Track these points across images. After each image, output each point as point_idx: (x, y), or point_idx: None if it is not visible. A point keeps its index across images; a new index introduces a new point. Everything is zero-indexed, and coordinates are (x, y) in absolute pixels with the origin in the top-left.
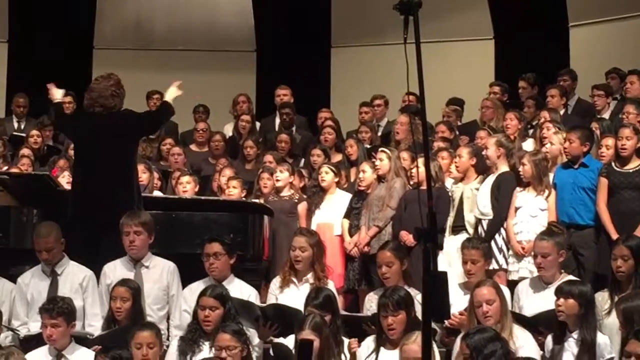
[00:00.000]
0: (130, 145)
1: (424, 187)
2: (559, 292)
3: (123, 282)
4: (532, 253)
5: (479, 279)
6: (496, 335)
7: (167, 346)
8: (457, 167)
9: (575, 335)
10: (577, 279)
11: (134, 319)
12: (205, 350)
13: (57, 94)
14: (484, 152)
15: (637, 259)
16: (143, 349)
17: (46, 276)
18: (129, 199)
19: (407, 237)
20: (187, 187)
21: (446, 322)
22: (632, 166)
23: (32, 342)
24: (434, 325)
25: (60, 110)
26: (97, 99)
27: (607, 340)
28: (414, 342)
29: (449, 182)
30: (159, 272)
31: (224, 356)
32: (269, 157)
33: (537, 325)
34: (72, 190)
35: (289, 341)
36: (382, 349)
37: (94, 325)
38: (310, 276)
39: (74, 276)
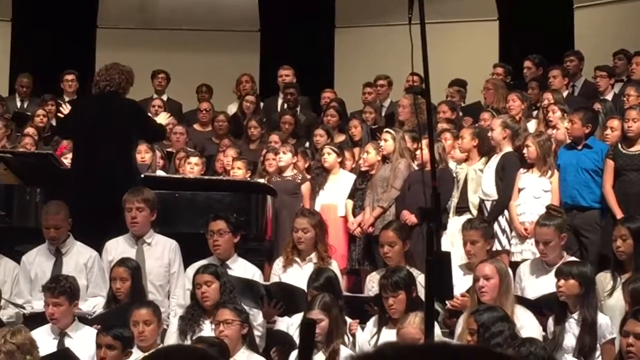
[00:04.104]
0: (131, 132)
1: (428, 167)
2: (559, 274)
3: (121, 262)
4: (534, 238)
5: (479, 260)
6: (505, 316)
7: (167, 325)
8: (459, 148)
9: (576, 315)
10: (578, 259)
11: (135, 298)
12: (206, 328)
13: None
14: (489, 134)
15: (635, 238)
16: (139, 326)
17: (51, 255)
18: (131, 181)
19: (409, 217)
20: (194, 168)
21: (448, 304)
22: (638, 148)
23: (36, 319)
24: (436, 306)
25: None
26: (106, 78)
27: (608, 321)
28: (410, 325)
29: (453, 164)
30: (160, 250)
31: (222, 329)
32: (274, 137)
33: (541, 307)
34: (73, 176)
35: (295, 320)
36: (383, 328)
37: (95, 305)
38: (313, 256)
39: (78, 256)
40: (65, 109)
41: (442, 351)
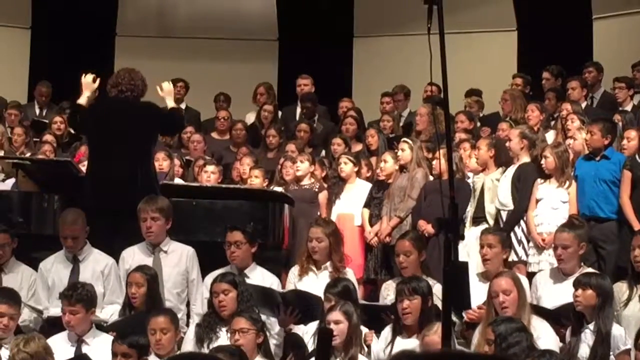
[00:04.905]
0: (149, 135)
1: (444, 177)
2: (577, 284)
3: (139, 268)
4: (553, 245)
5: (495, 266)
6: (523, 327)
7: (185, 333)
8: (476, 159)
9: (591, 326)
10: (597, 271)
11: (150, 306)
12: (223, 336)
13: (87, 88)
14: (507, 144)
15: None
16: (157, 334)
17: (68, 262)
18: (149, 187)
19: (426, 227)
20: (211, 176)
21: (465, 316)
22: None
23: (56, 325)
24: (453, 317)
25: (79, 109)
26: (130, 82)
27: (623, 332)
28: (435, 333)
29: (470, 173)
30: (177, 257)
31: (238, 338)
32: (291, 146)
33: (560, 317)
34: (90, 179)
35: (310, 328)
36: (398, 338)
37: (113, 314)
38: (329, 264)
39: (95, 263)
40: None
41: (459, 359)
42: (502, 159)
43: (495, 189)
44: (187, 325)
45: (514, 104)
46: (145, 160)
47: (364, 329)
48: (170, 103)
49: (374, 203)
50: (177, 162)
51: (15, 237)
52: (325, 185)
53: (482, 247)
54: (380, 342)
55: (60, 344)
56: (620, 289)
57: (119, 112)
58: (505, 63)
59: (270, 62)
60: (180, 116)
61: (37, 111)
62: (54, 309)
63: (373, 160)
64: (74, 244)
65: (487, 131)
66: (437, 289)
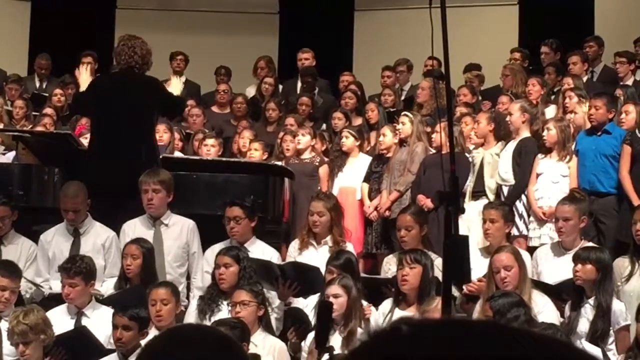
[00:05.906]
0: (153, 109)
1: (444, 151)
2: (576, 258)
3: (135, 241)
4: (554, 218)
5: (497, 240)
6: (521, 300)
7: (186, 306)
8: (475, 132)
9: (591, 301)
10: (596, 245)
11: (145, 279)
12: (225, 309)
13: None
14: (507, 118)
15: None
16: (157, 305)
17: (69, 235)
18: (152, 162)
19: (425, 201)
20: (211, 149)
21: (465, 288)
22: None
23: (56, 299)
24: (453, 291)
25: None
26: (139, 52)
27: (623, 307)
28: (436, 308)
29: (472, 146)
30: (178, 230)
31: (238, 310)
32: (290, 120)
33: (560, 292)
34: (93, 156)
35: (310, 302)
36: (396, 309)
37: (112, 286)
38: (329, 239)
39: (96, 236)
40: (81, 73)
41: (458, 325)
42: (501, 132)
43: (495, 163)
44: (188, 299)
45: (514, 78)
46: (149, 135)
47: (364, 303)
48: (176, 92)
49: (373, 177)
50: (177, 135)
51: (15, 209)
52: (326, 159)
53: (484, 221)
54: (378, 314)
55: (59, 317)
56: (622, 264)
57: (122, 84)
58: (506, 37)
59: (270, 36)
60: (184, 104)
61: (37, 84)
62: (55, 282)
63: (373, 134)
64: (75, 217)
65: (487, 105)
66: (437, 262)
